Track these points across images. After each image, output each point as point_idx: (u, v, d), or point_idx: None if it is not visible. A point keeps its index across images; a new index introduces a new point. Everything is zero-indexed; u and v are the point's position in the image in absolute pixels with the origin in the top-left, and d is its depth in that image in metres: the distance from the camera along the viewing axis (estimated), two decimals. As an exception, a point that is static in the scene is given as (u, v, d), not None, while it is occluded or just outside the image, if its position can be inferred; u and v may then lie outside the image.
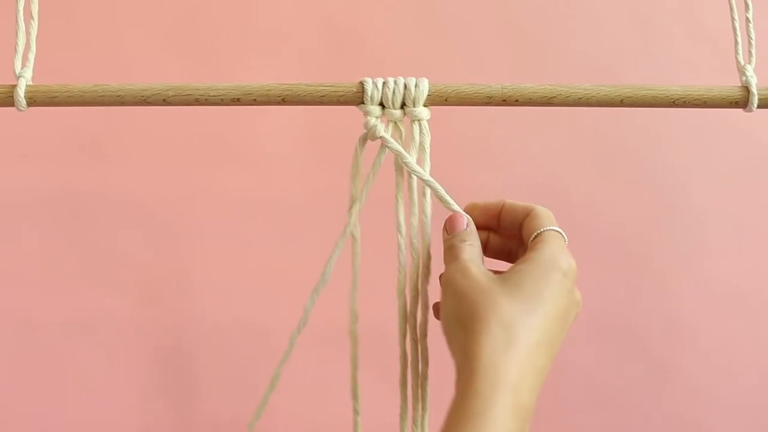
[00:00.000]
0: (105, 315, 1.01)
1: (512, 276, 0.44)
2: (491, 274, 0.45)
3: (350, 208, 0.54)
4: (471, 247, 0.48)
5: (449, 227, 0.50)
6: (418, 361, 0.53)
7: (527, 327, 0.42)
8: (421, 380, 0.53)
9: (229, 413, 1.02)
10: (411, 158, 0.52)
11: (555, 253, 0.45)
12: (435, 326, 0.53)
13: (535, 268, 0.44)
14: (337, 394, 1.03)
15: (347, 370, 0.56)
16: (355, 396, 0.54)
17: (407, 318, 0.53)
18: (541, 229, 0.47)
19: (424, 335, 0.53)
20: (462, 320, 0.43)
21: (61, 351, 1.01)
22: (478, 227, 0.50)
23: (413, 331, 0.53)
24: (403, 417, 0.54)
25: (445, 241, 0.49)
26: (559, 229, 0.48)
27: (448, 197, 0.51)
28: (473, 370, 0.40)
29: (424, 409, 0.54)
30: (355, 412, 0.55)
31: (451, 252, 0.48)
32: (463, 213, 0.51)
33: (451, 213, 0.51)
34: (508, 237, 0.52)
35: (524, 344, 0.41)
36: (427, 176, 0.52)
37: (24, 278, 1.01)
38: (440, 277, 0.48)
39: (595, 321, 1.04)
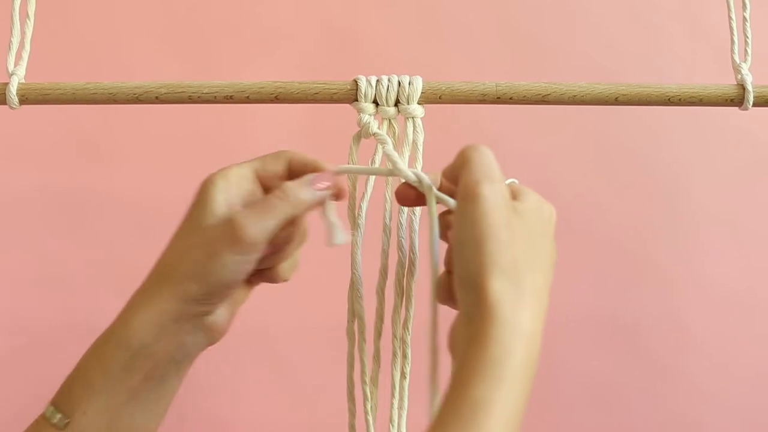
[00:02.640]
0: (102, 315, 1.01)
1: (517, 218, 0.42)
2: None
3: (349, 206, 0.54)
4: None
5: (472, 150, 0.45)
6: (399, 360, 0.53)
7: (536, 272, 0.41)
8: (401, 379, 0.53)
9: (228, 413, 1.02)
10: (398, 155, 0.52)
11: (540, 200, 0.45)
12: (417, 325, 0.53)
13: (529, 211, 0.43)
14: (332, 394, 1.02)
15: (343, 369, 0.56)
16: (350, 397, 0.54)
17: (383, 317, 0.53)
18: (506, 182, 0.45)
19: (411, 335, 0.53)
20: (482, 253, 0.40)
21: (60, 351, 1.01)
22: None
23: (396, 329, 0.53)
24: (372, 417, 0.54)
25: (466, 159, 0.44)
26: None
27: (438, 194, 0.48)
28: (493, 318, 0.39)
29: (401, 408, 0.53)
30: (351, 413, 0.54)
31: (484, 163, 0.43)
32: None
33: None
34: None
35: (535, 291, 0.41)
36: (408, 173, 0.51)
37: (21, 278, 1.01)
38: (468, 190, 0.42)
39: (594, 320, 1.03)
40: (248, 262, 0.46)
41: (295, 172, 0.49)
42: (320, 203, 0.48)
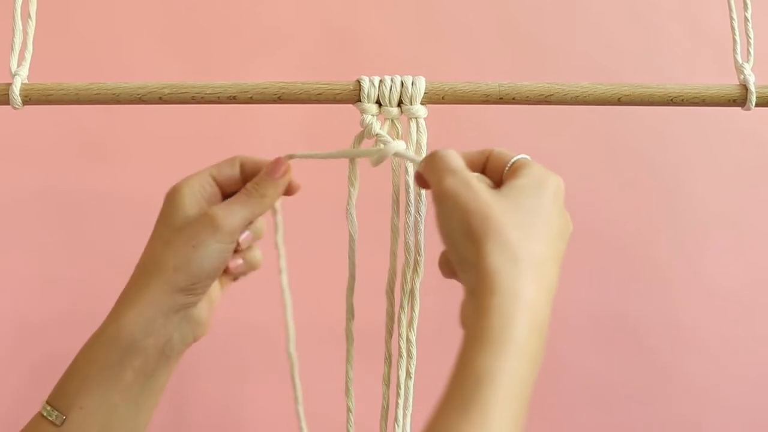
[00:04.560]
0: (104, 315, 1.01)
1: (510, 192, 0.43)
2: (488, 187, 0.44)
3: (348, 205, 0.54)
4: (459, 156, 0.47)
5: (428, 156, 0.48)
6: (404, 360, 0.53)
7: (537, 242, 0.42)
8: (406, 379, 0.53)
9: (227, 413, 1.02)
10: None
11: (543, 172, 0.46)
12: (422, 325, 0.53)
13: (529, 185, 0.44)
14: (332, 392, 1.02)
15: (342, 368, 0.56)
16: (348, 394, 0.54)
17: (395, 317, 0.53)
18: (514, 158, 0.48)
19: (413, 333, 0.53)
20: (473, 235, 0.41)
21: (61, 351, 1.01)
22: None
23: (402, 329, 0.53)
24: (383, 416, 0.54)
25: (426, 164, 0.47)
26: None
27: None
28: (492, 289, 0.39)
29: (406, 407, 0.53)
30: (348, 410, 0.55)
31: (439, 161, 0.46)
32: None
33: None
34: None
35: (536, 260, 0.41)
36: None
37: (24, 279, 1.01)
38: (436, 190, 0.45)
39: (595, 320, 1.03)
40: (227, 251, 0.52)
41: (248, 174, 0.56)
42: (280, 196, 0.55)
